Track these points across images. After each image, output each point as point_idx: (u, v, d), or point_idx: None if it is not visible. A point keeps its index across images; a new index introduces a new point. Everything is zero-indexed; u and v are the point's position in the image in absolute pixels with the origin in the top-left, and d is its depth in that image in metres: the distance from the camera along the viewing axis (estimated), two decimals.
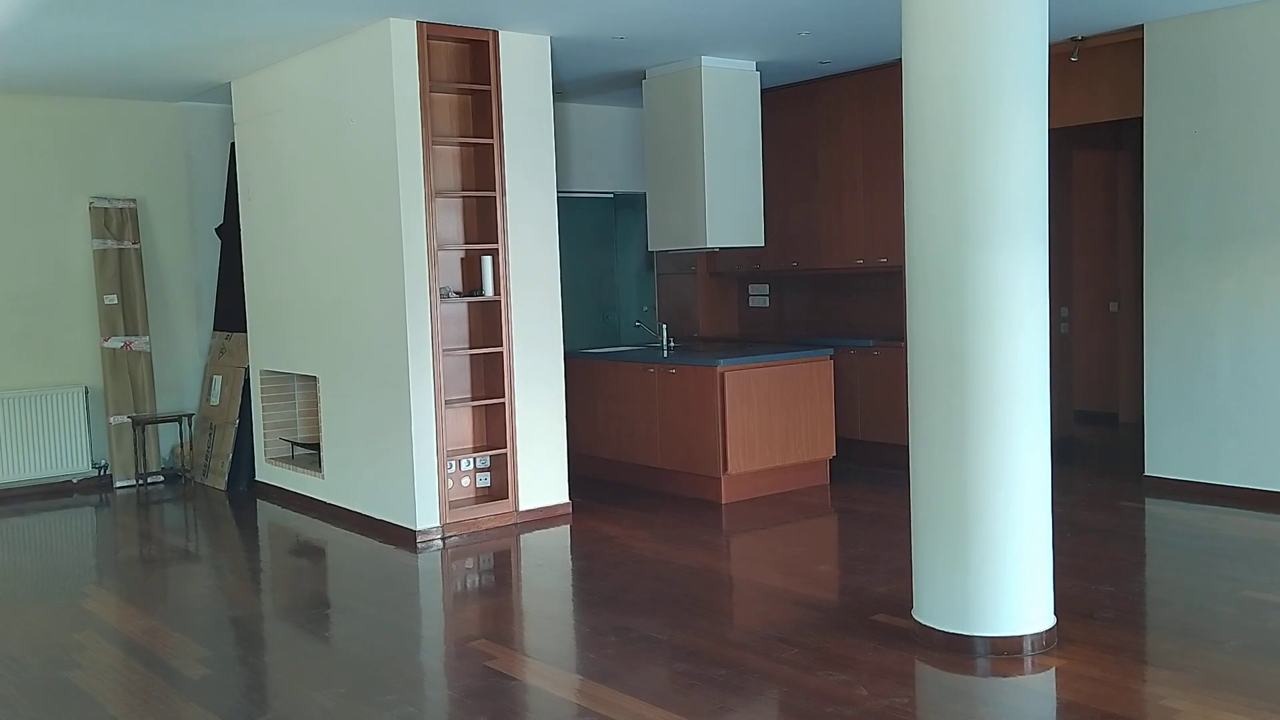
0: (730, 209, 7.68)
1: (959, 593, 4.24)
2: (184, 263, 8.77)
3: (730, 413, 6.91)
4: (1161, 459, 6.96)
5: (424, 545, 6.26)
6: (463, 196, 6.59)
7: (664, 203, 7.90)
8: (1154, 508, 6.58)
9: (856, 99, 8.25)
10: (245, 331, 8.20)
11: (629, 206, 10.04)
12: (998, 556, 4.17)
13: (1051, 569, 4.29)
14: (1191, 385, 6.77)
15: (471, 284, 6.67)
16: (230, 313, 8.53)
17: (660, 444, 7.35)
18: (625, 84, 8.44)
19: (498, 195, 6.54)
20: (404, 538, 6.38)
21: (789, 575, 5.37)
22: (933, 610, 4.34)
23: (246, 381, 8.18)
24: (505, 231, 6.58)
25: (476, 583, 5.77)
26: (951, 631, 4.25)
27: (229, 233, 8.59)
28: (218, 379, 8.47)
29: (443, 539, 6.36)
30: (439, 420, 6.38)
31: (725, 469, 6.95)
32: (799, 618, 4.71)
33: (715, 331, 9.67)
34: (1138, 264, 9.59)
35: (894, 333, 8.32)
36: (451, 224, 6.60)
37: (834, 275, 8.84)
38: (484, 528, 6.57)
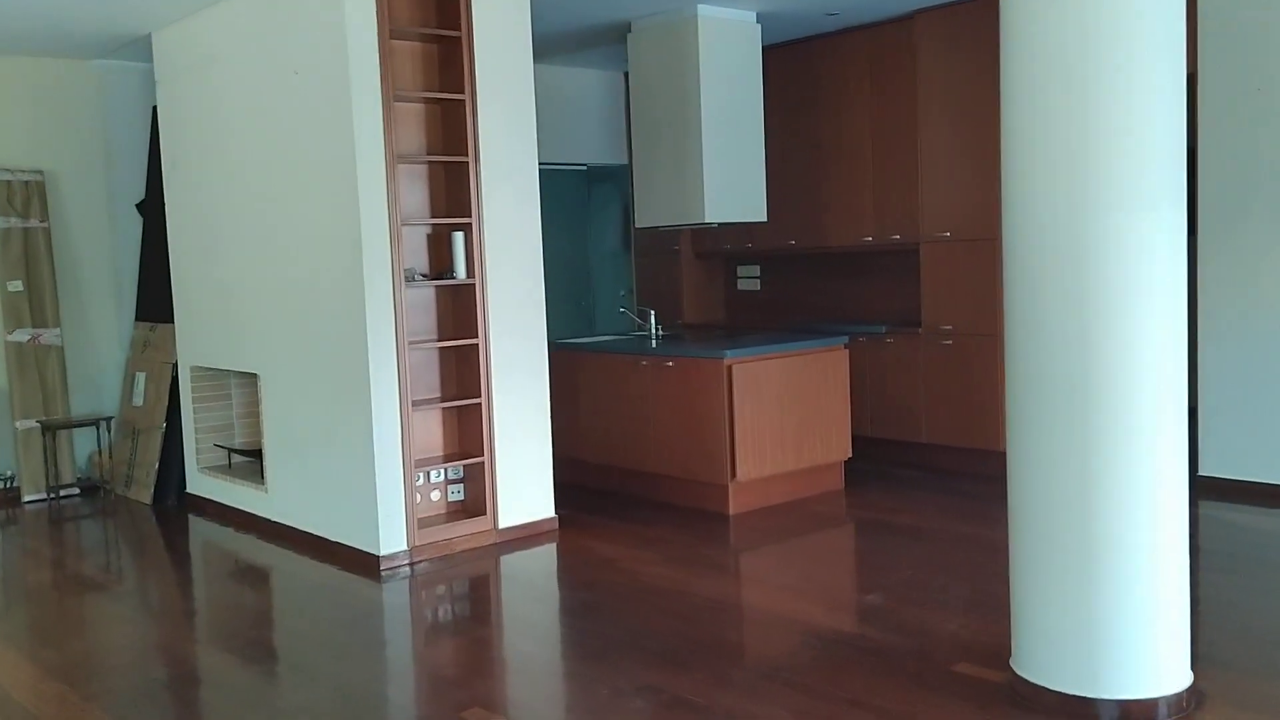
0: (730, 179, 6.78)
1: (1079, 645, 3.40)
2: (100, 243, 7.67)
3: (739, 411, 6.03)
4: (1218, 458, 6.20)
5: (389, 573, 5.30)
6: (429, 162, 5.62)
7: (654, 173, 6.98)
8: (1219, 512, 5.82)
9: (864, 58, 7.38)
10: (172, 322, 7.14)
11: (604, 179, 9.11)
12: (1131, 602, 3.34)
13: (1189, 615, 3.47)
14: (1252, 377, 6.01)
15: (440, 265, 5.70)
16: (155, 301, 7.46)
17: (655, 447, 6.44)
18: (605, 40, 7.50)
19: (470, 160, 5.57)
20: (365, 564, 5.42)
21: (835, 609, 4.51)
22: (1042, 664, 3.49)
23: (175, 379, 7.13)
24: (480, 203, 5.62)
25: (457, 624, 4.82)
26: (1069, 693, 3.41)
27: (152, 209, 7.51)
28: (141, 376, 7.40)
29: (411, 565, 5.41)
30: (405, 425, 5.42)
31: (733, 475, 6.07)
32: (865, 669, 3.84)
33: (700, 318, 8.78)
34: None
35: (909, 317, 7.49)
36: (416, 195, 5.62)
37: (837, 255, 7.98)
38: (458, 550, 5.62)
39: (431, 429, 5.74)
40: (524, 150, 5.80)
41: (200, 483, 6.91)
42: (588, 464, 6.88)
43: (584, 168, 8.83)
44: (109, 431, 7.42)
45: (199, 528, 6.57)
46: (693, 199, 6.73)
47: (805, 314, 8.27)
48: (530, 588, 5.15)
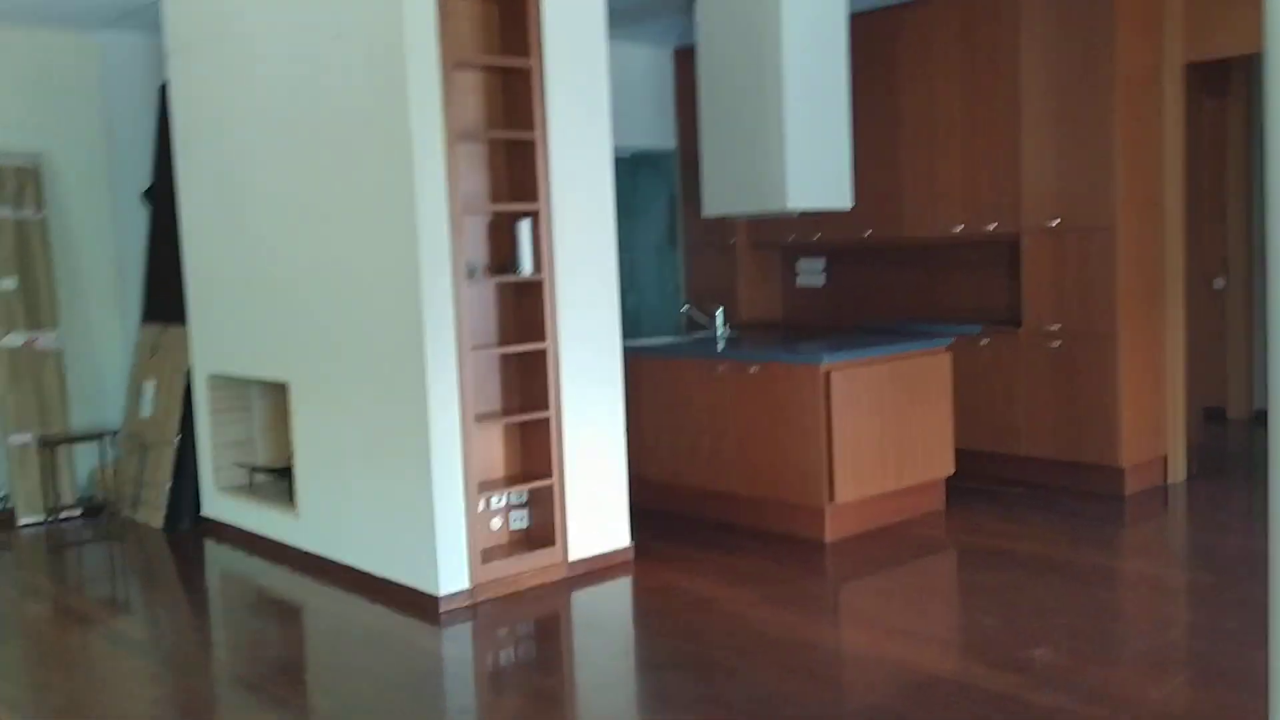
0: (814, 162, 6.03)
1: None
2: (102, 236, 6.90)
3: (838, 424, 5.30)
4: None
5: (450, 618, 4.56)
6: (491, 140, 4.87)
7: (725, 156, 6.22)
8: None
9: (955, 28, 6.64)
10: (185, 324, 6.38)
11: (649, 166, 8.36)
12: None
13: None
14: None
15: (501, 259, 4.96)
16: (164, 300, 6.70)
17: (734, 465, 5.71)
18: (663, 10, 6.76)
19: (538, 138, 4.83)
20: (419, 605, 4.67)
21: (999, 669, 3.77)
22: None
23: (188, 388, 6.36)
24: (548, 187, 4.87)
25: (531, 683, 4.05)
26: None
27: (160, 197, 6.74)
28: (149, 385, 6.64)
29: (473, 607, 4.67)
30: (467, 443, 4.67)
31: (831, 497, 5.33)
32: None
33: (755, 316, 8.04)
34: (1250, 232, 8.18)
35: (1006, 316, 6.77)
36: (475, 178, 4.87)
37: (919, 247, 7.25)
38: (525, 587, 4.88)
39: (492, 447, 4.99)
40: (598, 125, 5.06)
41: (218, 505, 6.15)
42: (652, 482, 6.13)
43: (628, 154, 8.08)
44: (114, 447, 6.65)
45: (218, 555, 5.82)
46: (772, 184, 5.98)
47: (876, 313, 7.54)
48: (614, 634, 4.40)
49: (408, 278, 4.56)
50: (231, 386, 6.17)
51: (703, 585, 4.81)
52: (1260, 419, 8.19)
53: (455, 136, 4.59)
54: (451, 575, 4.64)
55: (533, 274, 4.87)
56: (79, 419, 6.74)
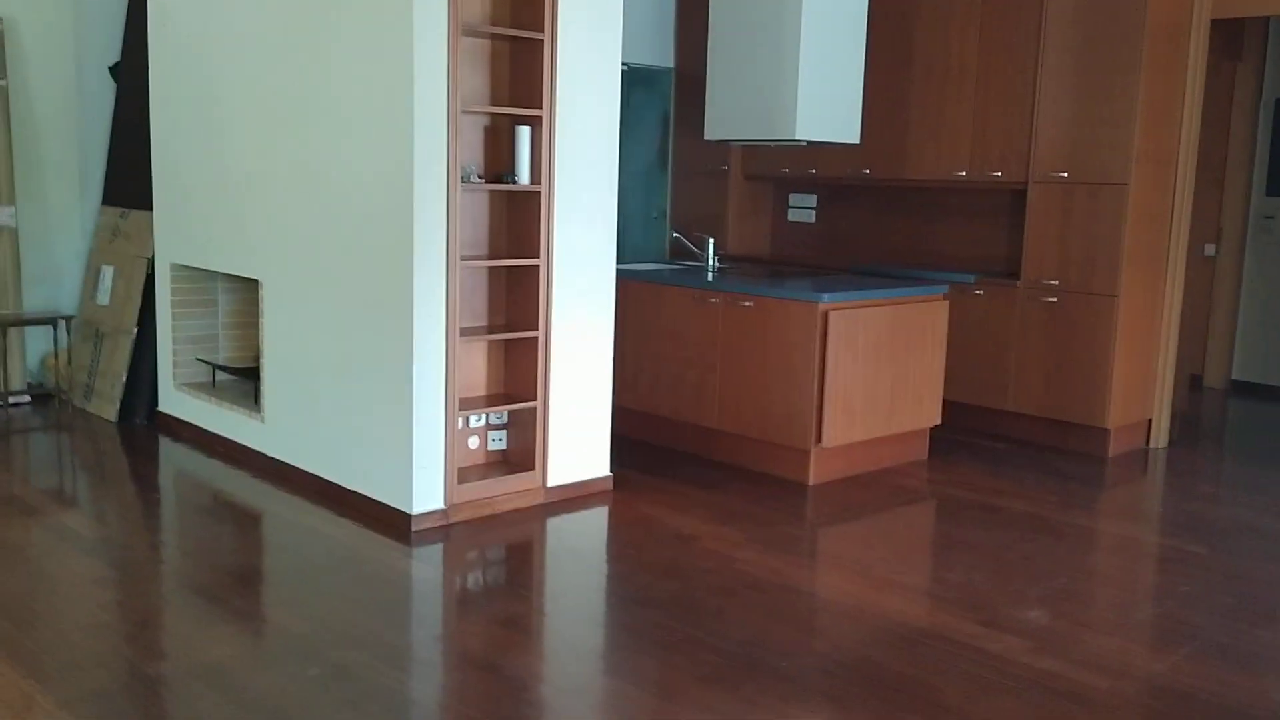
0: (827, 93, 5.79)
1: None
2: (65, 110, 6.49)
3: (832, 366, 5.13)
4: None
5: (421, 538, 4.36)
6: (493, 35, 4.56)
7: (734, 80, 5.95)
8: None
9: None
10: (148, 209, 6.04)
11: (644, 84, 8.05)
12: None
13: None
14: None
15: (497, 166, 4.68)
16: (127, 182, 6.34)
17: (720, 400, 5.53)
18: None
19: (545, 37, 4.53)
20: (389, 522, 4.47)
21: (991, 626, 3.65)
22: None
23: (150, 276, 6.05)
24: (553, 92, 4.58)
25: (510, 613, 3.86)
26: None
27: (129, 74, 6.35)
28: (108, 271, 6.30)
29: (446, 528, 4.48)
30: (451, 359, 4.44)
31: (818, 439, 5.18)
32: None
33: (742, 249, 7.82)
34: (1247, 200, 8.07)
35: (1002, 268, 6.61)
36: (475, 78, 4.57)
37: (918, 189, 7.04)
38: (502, 510, 4.69)
39: (475, 364, 4.76)
40: (609, 29, 4.77)
41: (176, 401, 5.87)
42: (629, 411, 5.95)
43: (623, 69, 7.75)
44: (67, 333, 6.33)
45: (173, 454, 5.56)
46: (781, 112, 5.73)
47: (868, 255, 7.35)
48: (593, 567, 4.22)
49: (400, 179, 4.28)
50: (196, 279, 5.86)
51: (684, 522, 4.65)
52: (1238, 389, 8.16)
53: (459, 27, 4.28)
54: (426, 494, 4.44)
55: (530, 184, 4.60)
56: (32, 301, 6.41)
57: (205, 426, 5.65)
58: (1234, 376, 8.19)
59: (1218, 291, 8.14)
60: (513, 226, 4.73)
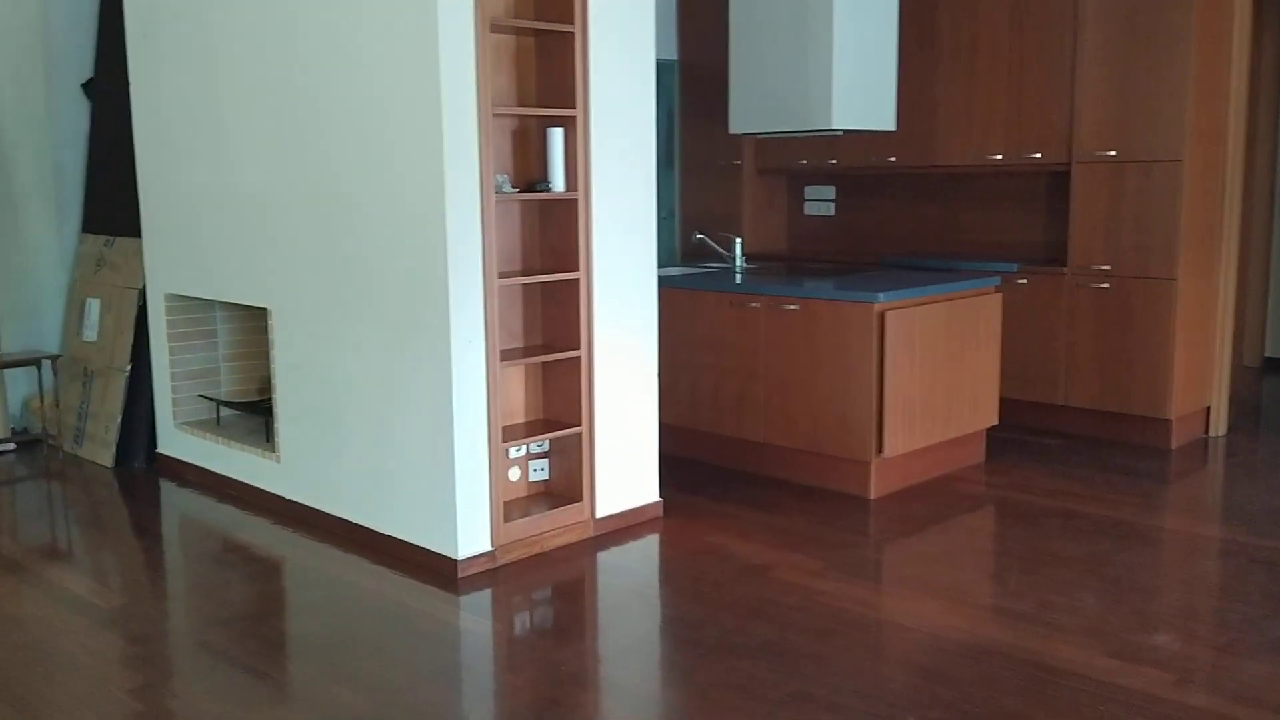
0: (862, 80, 5.44)
1: None
2: (36, 132, 6.03)
3: (891, 370, 4.77)
4: None
5: (468, 585, 3.97)
6: (518, 29, 4.16)
7: (762, 70, 5.59)
8: None
9: None
10: (134, 235, 5.61)
11: None
12: None
13: None
14: None
15: (527, 173, 4.29)
16: (109, 207, 5.89)
17: (766, 411, 5.16)
18: None
19: (576, 30, 4.14)
20: (431, 568, 4.08)
21: (1123, 658, 3.30)
22: None
23: (142, 308, 5.60)
24: (587, 89, 4.20)
25: (574, 669, 3.47)
26: None
27: (105, 89, 5.90)
28: (93, 304, 5.85)
29: (494, 571, 4.08)
30: (492, 384, 4.04)
31: (880, 450, 4.83)
32: None
33: (758, 247, 7.46)
34: (1274, 174, 7.80)
35: (1045, 253, 6.29)
36: (500, 77, 4.17)
37: (945, 175, 6.70)
38: (550, 547, 4.31)
39: (512, 390, 4.37)
40: (641, 18, 4.39)
41: (177, 442, 5.44)
42: (666, 427, 5.57)
43: None
44: (54, 373, 5.87)
45: (178, 499, 5.13)
46: (816, 101, 5.37)
47: (894, 247, 7.01)
48: (665, 610, 3.83)
49: (430, 189, 3.88)
50: (192, 308, 5.43)
51: (750, 550, 4.28)
52: (1270, 366, 7.90)
53: (486, 22, 3.89)
54: (471, 535, 4.04)
55: (566, 191, 4.21)
56: (9, 340, 5.94)
57: (211, 468, 5.23)
58: (1267, 354, 7.93)
59: (1250, 268, 7.86)
60: (547, 238, 4.33)
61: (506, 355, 4.19)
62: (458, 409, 3.94)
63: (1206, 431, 5.95)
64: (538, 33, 4.18)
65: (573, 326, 4.30)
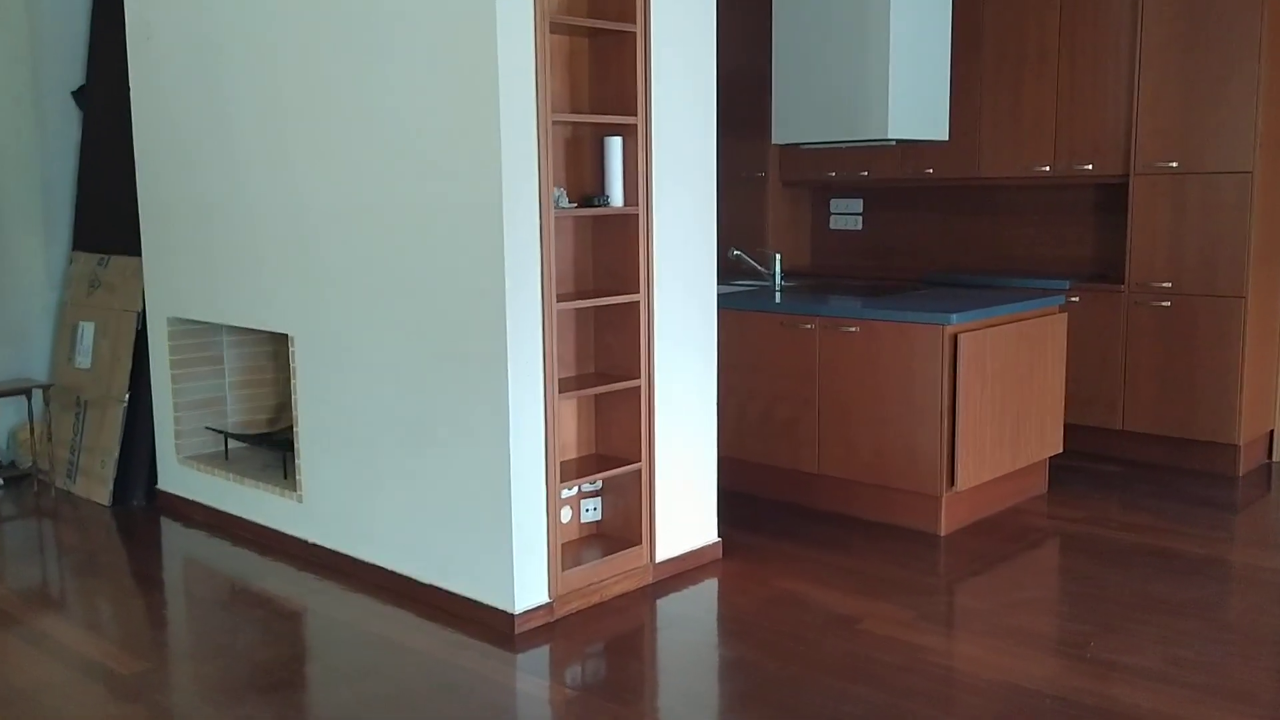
0: (917, 88, 5.13)
1: None
2: (23, 145, 5.59)
3: (964, 397, 4.44)
4: None
5: (525, 641, 3.58)
6: (578, 30, 3.80)
7: (809, 78, 5.26)
8: None
9: None
10: (133, 254, 5.18)
11: None
12: None
13: None
14: None
15: (582, 186, 3.93)
16: (102, 223, 5.47)
17: (822, 441, 4.82)
18: None
19: (638, 29, 3.79)
20: (484, 623, 3.69)
21: None
22: None
23: (140, 333, 5.18)
24: (649, 94, 3.84)
25: None
26: None
27: (97, 98, 5.48)
28: (87, 328, 5.42)
29: (551, 625, 3.70)
30: (550, 418, 3.66)
31: (951, 484, 4.49)
32: None
33: (785, 263, 7.11)
34: None
35: (1095, 269, 6.00)
36: (554, 81, 3.81)
37: (985, 188, 6.40)
38: (609, 595, 3.93)
39: (565, 423, 3.99)
40: (703, 15, 4.04)
41: (180, 478, 5.01)
42: (724, 461, 5.19)
43: None
44: (45, 403, 5.42)
45: (183, 541, 4.71)
46: (870, 110, 5.06)
47: (928, 264, 6.69)
48: (756, 675, 3.47)
49: (486, 204, 3.50)
50: (197, 333, 5.02)
51: (829, 597, 3.92)
52: None
53: (548, 21, 3.52)
54: (529, 586, 3.66)
55: (626, 206, 3.86)
56: None
57: (220, 507, 4.81)
58: None
59: None
60: (602, 257, 3.97)
61: (562, 386, 3.82)
62: (514, 445, 3.56)
63: (1269, 456, 5.67)
64: (593, 33, 3.82)
65: (632, 354, 3.93)
